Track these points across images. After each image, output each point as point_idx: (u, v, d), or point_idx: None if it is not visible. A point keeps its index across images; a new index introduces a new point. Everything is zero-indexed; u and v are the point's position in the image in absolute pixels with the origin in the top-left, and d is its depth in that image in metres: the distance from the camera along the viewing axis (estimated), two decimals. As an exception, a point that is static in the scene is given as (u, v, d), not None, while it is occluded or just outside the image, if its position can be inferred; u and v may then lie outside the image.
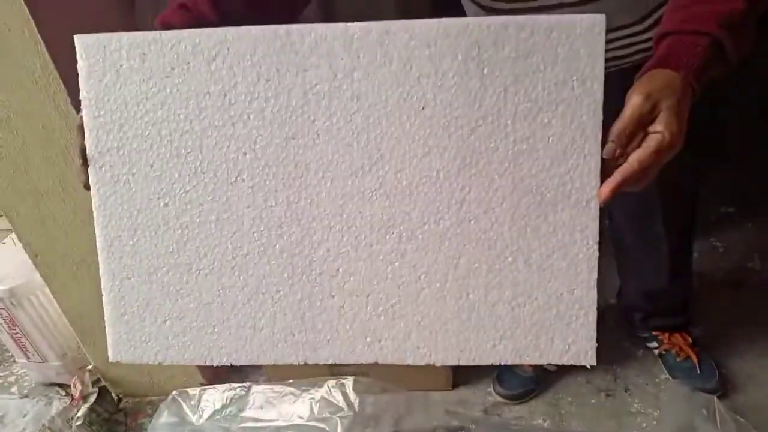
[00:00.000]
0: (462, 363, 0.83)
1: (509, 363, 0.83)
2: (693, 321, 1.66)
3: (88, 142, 0.82)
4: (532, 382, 1.63)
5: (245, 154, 0.80)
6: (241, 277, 0.84)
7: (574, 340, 0.81)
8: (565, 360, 0.82)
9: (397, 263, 0.81)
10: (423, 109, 0.76)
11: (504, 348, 0.82)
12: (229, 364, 0.86)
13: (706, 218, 2.04)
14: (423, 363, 0.84)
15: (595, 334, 0.80)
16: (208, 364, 0.86)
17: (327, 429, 1.30)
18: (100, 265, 0.86)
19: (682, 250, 1.51)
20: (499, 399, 1.63)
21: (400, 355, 0.84)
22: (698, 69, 0.74)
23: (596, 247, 0.78)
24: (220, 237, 0.83)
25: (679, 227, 1.45)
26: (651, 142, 0.71)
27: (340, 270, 0.82)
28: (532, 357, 0.82)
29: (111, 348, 0.88)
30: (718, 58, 0.75)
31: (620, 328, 1.73)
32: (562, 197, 0.77)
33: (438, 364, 0.83)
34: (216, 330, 0.86)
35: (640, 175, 0.72)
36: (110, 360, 0.88)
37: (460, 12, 1.17)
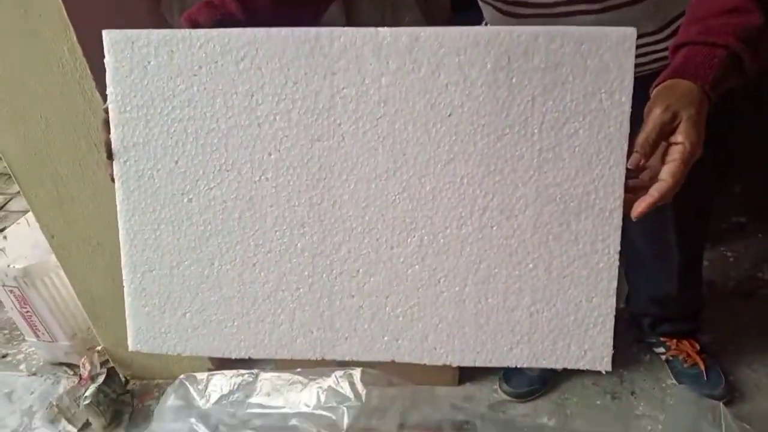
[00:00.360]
0: (478, 364, 0.84)
1: (525, 366, 0.84)
2: (702, 329, 1.66)
3: (113, 137, 0.83)
4: (539, 382, 1.63)
5: (270, 154, 0.81)
6: (262, 274, 0.84)
7: (591, 347, 0.82)
8: (581, 365, 0.83)
9: (417, 266, 0.82)
10: (450, 115, 0.77)
11: (520, 352, 0.83)
12: (247, 357, 0.88)
13: (717, 227, 2.04)
14: (440, 363, 0.85)
15: (611, 341, 0.81)
16: (226, 356, 0.88)
17: (333, 418, 1.30)
18: (122, 258, 0.86)
19: (693, 258, 1.51)
20: (505, 397, 1.63)
21: (417, 354, 0.85)
22: (715, 80, 0.74)
23: (617, 257, 0.79)
24: (242, 234, 0.84)
25: (692, 236, 1.45)
26: (675, 154, 0.73)
27: (361, 271, 0.83)
28: (548, 361, 0.83)
29: (131, 338, 0.89)
30: (735, 69, 0.76)
31: (628, 333, 1.73)
32: (585, 206, 0.77)
33: (454, 365, 0.84)
34: (236, 324, 0.87)
35: (675, 189, 0.73)
36: (130, 349, 0.90)
37: (478, 12, 1.16)
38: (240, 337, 0.87)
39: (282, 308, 0.85)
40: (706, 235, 1.50)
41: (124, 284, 0.88)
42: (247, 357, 0.88)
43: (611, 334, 0.81)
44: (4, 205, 2.96)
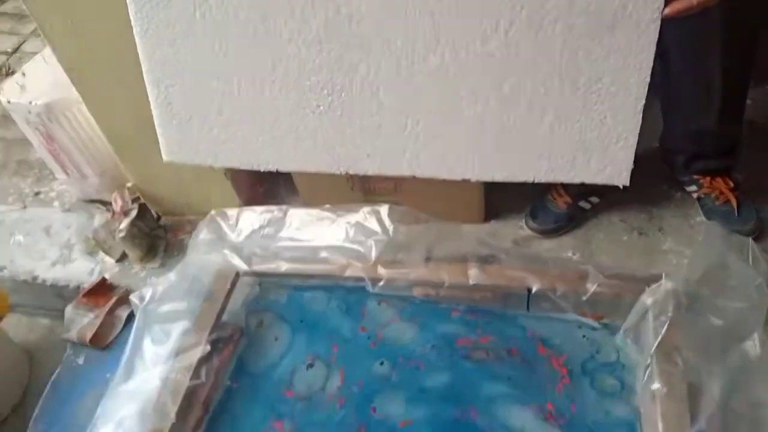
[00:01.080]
0: (497, 179, 0.84)
1: (543, 181, 0.83)
2: (737, 168, 1.61)
3: None
4: (565, 219, 1.62)
5: None
6: (282, 91, 0.83)
7: (611, 162, 0.80)
8: (599, 179, 0.82)
9: (438, 85, 0.79)
10: None
11: (540, 167, 0.82)
12: (275, 170, 0.89)
13: (764, 66, 1.92)
14: (458, 178, 0.85)
15: (632, 158, 0.80)
16: (255, 169, 0.90)
17: (362, 250, 1.33)
18: (144, 74, 0.86)
19: (737, 89, 1.43)
20: (531, 233, 1.64)
21: (437, 170, 0.85)
22: None
23: (648, 72, 0.75)
24: (259, 50, 0.81)
25: (737, 63, 1.36)
26: None
27: (380, 88, 0.80)
28: (566, 176, 0.82)
29: (164, 148, 0.91)
30: None
31: (659, 172, 1.69)
32: (621, 19, 0.72)
33: (474, 180, 0.84)
34: (260, 140, 0.87)
35: None
36: (164, 159, 0.92)
37: None
38: (266, 152, 0.88)
39: (304, 125, 0.85)
40: (753, 64, 1.40)
41: (150, 98, 0.88)
42: (275, 170, 0.89)
43: (633, 150, 0.79)
44: (19, 46, 2.90)
